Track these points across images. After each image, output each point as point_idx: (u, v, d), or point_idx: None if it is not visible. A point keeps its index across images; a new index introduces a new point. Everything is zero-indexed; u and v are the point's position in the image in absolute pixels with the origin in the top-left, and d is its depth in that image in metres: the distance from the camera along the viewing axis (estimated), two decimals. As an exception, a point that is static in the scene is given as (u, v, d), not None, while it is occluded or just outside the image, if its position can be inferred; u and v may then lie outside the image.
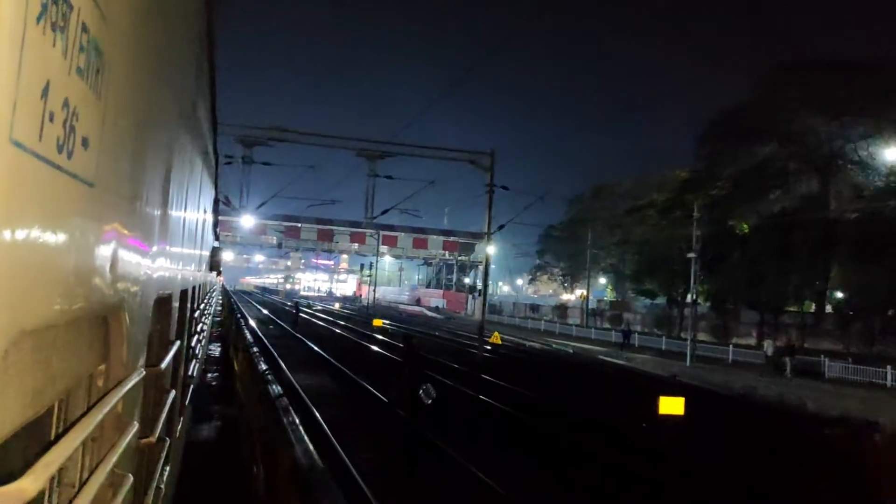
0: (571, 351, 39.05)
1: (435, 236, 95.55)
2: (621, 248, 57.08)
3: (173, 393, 3.18)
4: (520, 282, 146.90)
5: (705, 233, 35.79)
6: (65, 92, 0.86)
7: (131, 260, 1.60)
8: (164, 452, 2.83)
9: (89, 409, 1.38)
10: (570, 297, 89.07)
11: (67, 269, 0.96)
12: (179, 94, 2.63)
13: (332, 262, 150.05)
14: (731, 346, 38.12)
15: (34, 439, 1.20)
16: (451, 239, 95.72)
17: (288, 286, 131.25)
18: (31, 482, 0.81)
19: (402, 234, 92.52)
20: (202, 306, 8.19)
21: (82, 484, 1.31)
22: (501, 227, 34.90)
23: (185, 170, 3.30)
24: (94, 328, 1.47)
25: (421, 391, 10.77)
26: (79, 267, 1.03)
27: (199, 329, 7.20)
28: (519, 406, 15.76)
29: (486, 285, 28.43)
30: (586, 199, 66.94)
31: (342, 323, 45.80)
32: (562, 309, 65.69)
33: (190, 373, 5.52)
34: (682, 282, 45.71)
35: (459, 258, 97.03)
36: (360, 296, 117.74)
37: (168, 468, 3.16)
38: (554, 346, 41.12)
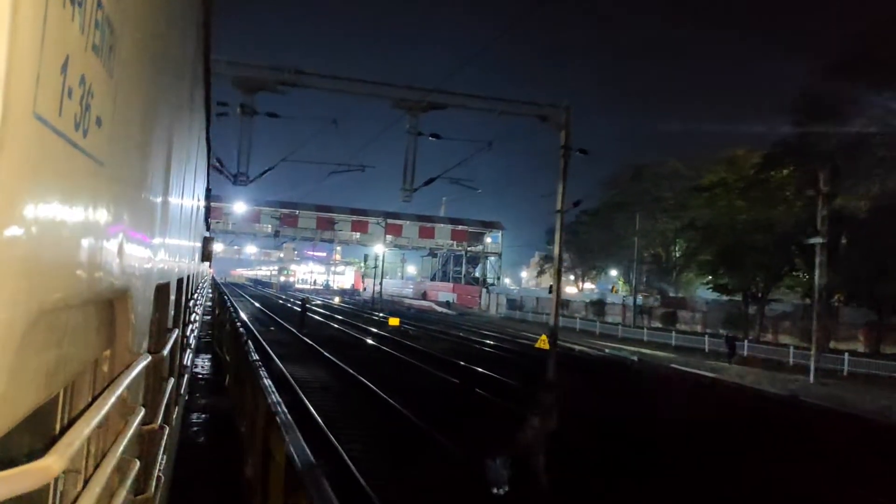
0: (636, 359, 32.11)
1: (443, 225, 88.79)
2: (684, 233, 49.78)
3: (172, 381, 3.25)
4: (524, 274, 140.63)
5: (805, 217, 28.87)
6: (82, 68, 0.86)
7: (137, 244, 1.60)
8: (164, 440, 2.79)
9: (103, 390, 1.40)
10: (573, 290, 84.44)
11: (81, 249, 0.96)
12: (180, 77, 2.63)
13: (324, 254, 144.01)
14: (846, 354, 30.94)
15: (43, 422, 1.23)
16: (460, 228, 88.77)
17: (282, 279, 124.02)
18: (56, 460, 0.82)
19: (408, 222, 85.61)
20: (195, 296, 8.33)
21: (94, 468, 1.34)
22: (577, 203, 27.93)
23: (183, 155, 3.32)
24: (102, 312, 1.48)
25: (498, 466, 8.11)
26: (91, 248, 1.03)
27: (192, 319, 7.33)
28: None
29: (558, 274, 21.47)
30: (624, 182, 59.89)
31: (352, 322, 38.92)
32: (599, 305, 58.90)
33: (185, 362, 5.64)
34: (765, 274, 38.57)
35: (469, 249, 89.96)
36: (360, 289, 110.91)
37: (165, 456, 3.04)
38: (608, 350, 34.30)
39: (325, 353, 21.42)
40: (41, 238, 0.74)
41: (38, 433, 1.20)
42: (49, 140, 0.74)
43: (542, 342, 33.82)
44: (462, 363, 21.55)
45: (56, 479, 1.35)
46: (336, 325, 36.12)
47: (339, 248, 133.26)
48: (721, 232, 41.14)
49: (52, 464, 0.81)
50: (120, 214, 1.30)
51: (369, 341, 28.25)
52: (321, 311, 48.14)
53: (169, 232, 2.63)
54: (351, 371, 17.90)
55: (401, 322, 38.16)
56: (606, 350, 34.98)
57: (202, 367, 15.84)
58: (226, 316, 17.95)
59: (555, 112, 22.57)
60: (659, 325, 47.73)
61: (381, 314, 50.64)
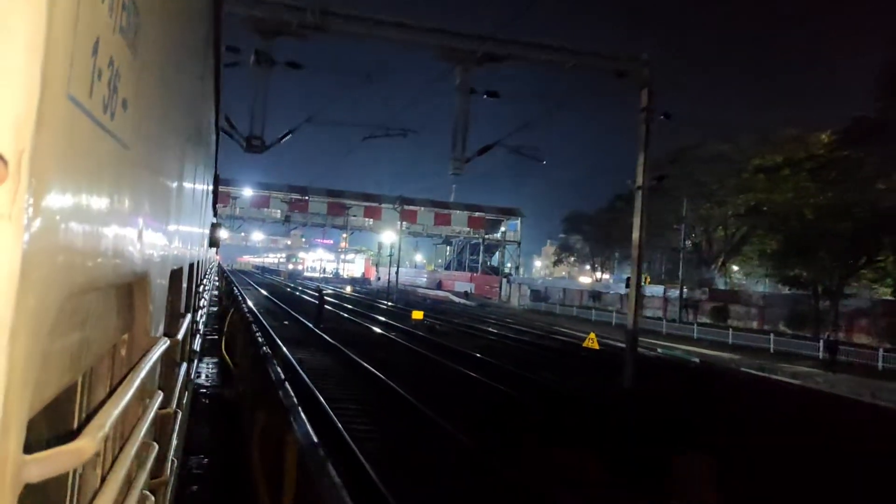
0: (697, 360, 28.38)
1: (459, 212, 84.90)
2: (740, 220, 45.44)
3: (185, 366, 3.26)
4: (537, 263, 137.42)
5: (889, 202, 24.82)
6: (110, 50, 0.86)
7: (156, 229, 1.61)
8: (177, 424, 2.76)
9: (128, 372, 1.40)
10: (588, 279, 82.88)
11: (107, 232, 0.96)
12: (195, 59, 2.64)
13: (331, 242, 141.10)
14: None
15: (63, 405, 1.23)
16: (478, 215, 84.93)
17: (290, 266, 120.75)
18: (88, 442, 0.83)
19: (423, 208, 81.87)
20: (204, 282, 8.32)
21: (116, 452, 1.38)
22: (660, 178, 24.13)
23: (196, 140, 3.32)
24: (122, 296, 1.48)
25: None
26: (116, 231, 1.03)
27: (201, 304, 7.32)
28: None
29: (639, 264, 17.66)
30: (663, 165, 55.31)
31: (370, 315, 35.32)
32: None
33: (195, 347, 5.75)
34: (840, 265, 34.41)
35: (487, 236, 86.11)
36: (370, 278, 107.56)
37: (176, 441, 3.00)
38: (660, 350, 30.59)
39: (352, 356, 17.88)
40: (71, 220, 0.74)
41: (58, 416, 1.19)
42: (80, 121, 0.75)
43: (591, 341, 30.30)
44: (510, 367, 18.17)
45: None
46: (355, 319, 32.59)
47: (345, 235, 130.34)
48: (791, 218, 36.95)
49: (84, 445, 0.82)
50: (142, 198, 1.32)
51: (397, 339, 24.57)
52: (335, 301, 44.42)
53: (182, 217, 2.66)
54: (386, 380, 14.45)
55: (424, 315, 34.58)
56: (658, 350, 31.14)
57: (205, 378, 12.15)
58: (237, 316, 14.29)
59: (636, 67, 18.63)
60: (707, 320, 43.44)
61: (399, 305, 47.07)
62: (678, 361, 27.47)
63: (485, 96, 20.38)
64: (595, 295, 58.25)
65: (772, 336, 32.68)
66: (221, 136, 12.36)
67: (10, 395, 0.58)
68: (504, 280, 74.36)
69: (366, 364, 16.56)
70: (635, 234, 18.51)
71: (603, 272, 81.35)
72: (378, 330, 27.81)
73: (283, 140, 20.07)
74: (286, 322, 28.01)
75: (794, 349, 30.92)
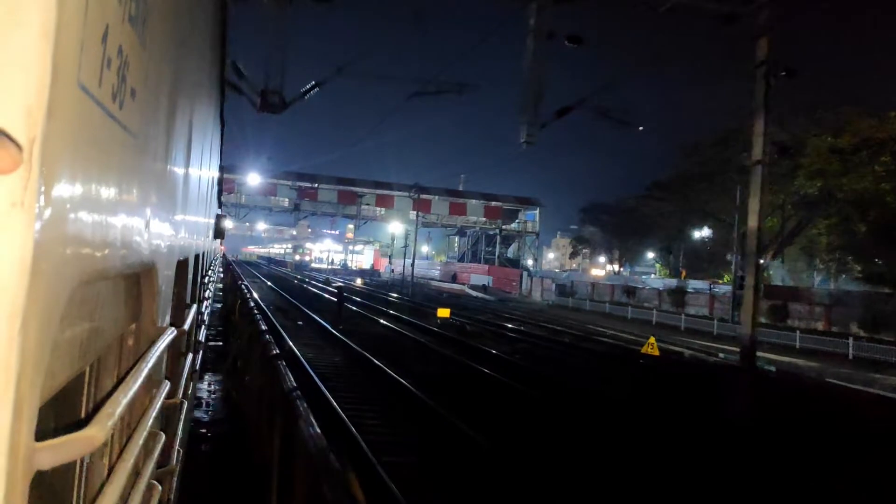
0: (773, 369, 24.45)
1: (475, 201, 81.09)
2: (810, 208, 41.15)
3: (190, 356, 3.28)
4: (550, 255, 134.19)
5: None
6: (119, 39, 0.86)
7: (163, 219, 1.60)
8: (183, 413, 2.73)
9: (136, 362, 1.41)
10: (601, 272, 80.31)
11: (116, 221, 0.96)
12: (201, 48, 2.63)
13: (336, 232, 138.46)
14: None
15: (71, 393, 1.23)
16: (494, 204, 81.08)
17: (297, 257, 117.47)
18: (99, 430, 0.84)
19: (437, 197, 77.99)
20: (209, 273, 8.42)
21: (123, 441, 1.36)
22: (784, 148, 20.39)
23: (202, 130, 3.31)
24: (130, 285, 1.49)
25: None
26: (124, 220, 1.03)
27: (206, 295, 7.40)
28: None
29: (757, 256, 13.99)
30: (705, 149, 51.05)
31: (390, 312, 31.66)
32: (678, 294, 48.07)
33: (200, 337, 5.57)
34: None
35: (505, 227, 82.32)
36: (379, 270, 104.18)
37: (182, 430, 3.03)
38: (722, 355, 26.86)
39: (383, 367, 14.62)
40: (81, 209, 0.74)
41: (67, 404, 1.19)
42: (89, 110, 0.74)
43: (651, 347, 26.32)
44: (569, 383, 15.03)
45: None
46: (375, 317, 28.92)
47: (351, 226, 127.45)
48: (875, 205, 32.66)
49: (95, 433, 0.82)
50: (149, 188, 1.31)
51: (428, 344, 20.86)
52: (347, 294, 40.62)
53: (188, 207, 2.64)
54: (434, 405, 10.87)
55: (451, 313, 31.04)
56: (721, 355, 27.34)
57: (206, 406, 8.49)
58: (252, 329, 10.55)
59: (750, 9, 14.75)
60: (764, 320, 38.96)
61: (416, 300, 43.49)
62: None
63: (567, 42, 16.17)
64: (629, 290, 54.12)
65: (850, 340, 28.63)
66: (227, 123, 10.88)
67: (22, 383, 0.58)
68: (524, 273, 70.39)
69: (399, 377, 13.08)
70: (752, 222, 14.92)
71: (621, 265, 78.07)
72: (403, 331, 24.17)
73: (308, 95, 16.04)
74: (300, 322, 24.32)
75: (879, 355, 26.93)
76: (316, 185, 75.84)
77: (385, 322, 27.23)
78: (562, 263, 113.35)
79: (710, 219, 48.45)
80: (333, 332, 21.33)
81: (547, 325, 32.80)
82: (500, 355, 18.98)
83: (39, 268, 0.59)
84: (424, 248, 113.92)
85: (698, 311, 44.34)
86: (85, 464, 1.36)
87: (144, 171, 1.21)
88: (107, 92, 0.81)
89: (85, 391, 1.33)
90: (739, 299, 40.74)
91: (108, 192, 0.88)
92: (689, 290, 48.16)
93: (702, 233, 53.87)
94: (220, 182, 10.18)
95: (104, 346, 1.23)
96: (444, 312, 31.59)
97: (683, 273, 54.66)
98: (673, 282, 51.46)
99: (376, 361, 15.43)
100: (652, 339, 26.13)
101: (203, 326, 6.44)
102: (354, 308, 32.12)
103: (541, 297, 63.58)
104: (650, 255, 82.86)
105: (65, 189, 0.66)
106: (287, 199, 76.49)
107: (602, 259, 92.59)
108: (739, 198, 37.65)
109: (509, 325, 31.07)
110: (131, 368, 1.34)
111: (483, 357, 18.50)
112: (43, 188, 0.59)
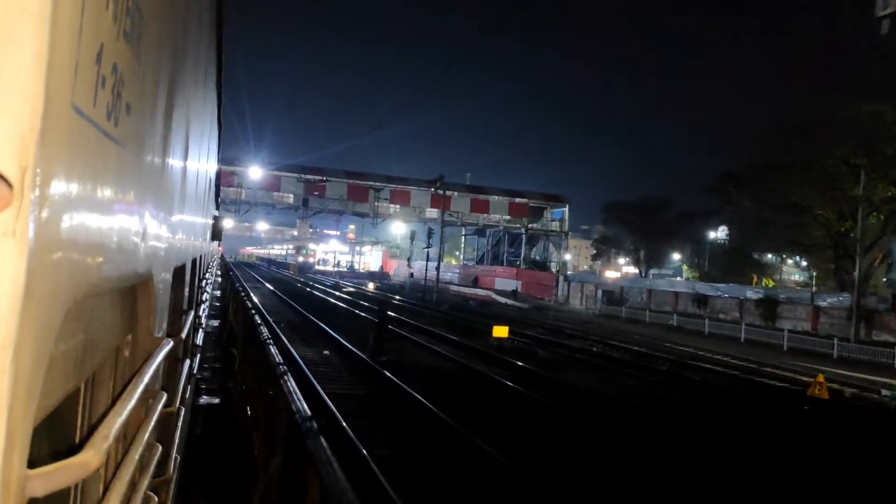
0: None
1: (498, 198, 73.75)
2: None
3: (188, 362, 3.24)
4: (567, 256, 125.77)
5: None
6: (114, 57, 0.85)
7: (159, 230, 1.59)
8: (180, 422, 2.72)
9: (132, 378, 1.38)
10: (616, 274, 76.70)
11: (111, 237, 0.96)
12: (196, 58, 2.60)
13: (338, 233, 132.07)
14: None
15: (68, 409, 1.21)
16: (520, 201, 73.80)
17: (300, 259, 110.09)
18: (94, 454, 0.82)
19: (457, 193, 70.63)
20: (207, 276, 8.39)
21: (121, 454, 1.33)
22: None
23: (199, 136, 3.30)
24: (126, 297, 1.48)
25: None
26: (120, 235, 1.03)
27: (204, 299, 7.27)
28: None
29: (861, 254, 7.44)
30: (780, 138, 43.73)
31: (429, 330, 25.17)
32: (769, 305, 40.45)
33: (198, 342, 5.58)
34: None
35: (531, 226, 75.03)
36: (388, 272, 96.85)
37: (179, 437, 3.03)
38: (885, 392, 20.04)
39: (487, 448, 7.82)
40: (77, 228, 0.74)
41: (61, 420, 1.18)
42: (84, 131, 0.74)
43: (820, 388, 19.15)
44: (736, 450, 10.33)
45: None
46: (413, 336, 22.33)
47: (353, 226, 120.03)
48: None
49: (90, 458, 0.80)
50: (145, 201, 1.31)
51: (506, 382, 14.44)
52: (366, 304, 33.40)
53: (185, 214, 2.62)
54: None
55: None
56: (884, 392, 20.12)
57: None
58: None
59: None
60: (890, 338, 31.52)
61: (444, 308, 38.76)
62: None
63: None
64: (700, 300, 46.74)
65: None
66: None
67: (14, 413, 0.57)
68: (561, 278, 62.73)
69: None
70: (860, 233, 8.51)
71: (639, 266, 71.79)
72: (458, 358, 18.17)
73: None
74: (326, 352, 17.13)
75: None
76: (324, 178, 68.56)
77: (428, 344, 20.39)
78: (575, 265, 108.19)
79: (805, 213, 41.28)
80: (375, 366, 14.39)
81: (619, 345, 25.68)
82: (614, 399, 13.86)
83: (32, 295, 0.58)
84: (434, 250, 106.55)
85: (795, 325, 36.98)
86: (79, 484, 1.35)
87: (141, 186, 1.21)
88: (101, 111, 0.80)
89: (80, 407, 1.32)
90: (869, 314, 33.20)
91: (103, 209, 0.87)
92: (781, 299, 40.39)
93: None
94: (218, 182, 9.78)
95: (100, 360, 1.22)
96: (500, 332, 24.77)
97: (754, 279, 47.26)
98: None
99: (486, 446, 8.27)
100: (820, 378, 18.90)
101: (201, 330, 6.19)
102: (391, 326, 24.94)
103: (581, 304, 56.26)
104: (676, 256, 76.75)
105: (59, 213, 0.65)
106: (291, 196, 69.09)
107: (621, 261, 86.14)
108: (862, 188, 30.40)
109: (575, 345, 24.86)
110: (127, 383, 1.32)
111: (593, 404, 13.11)
112: (35, 215, 0.57)
